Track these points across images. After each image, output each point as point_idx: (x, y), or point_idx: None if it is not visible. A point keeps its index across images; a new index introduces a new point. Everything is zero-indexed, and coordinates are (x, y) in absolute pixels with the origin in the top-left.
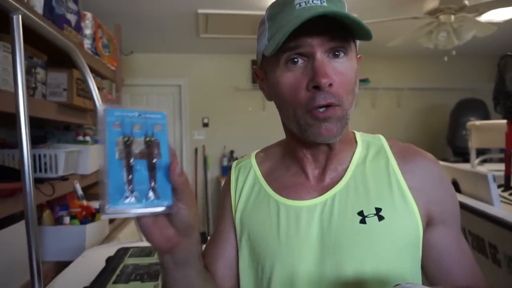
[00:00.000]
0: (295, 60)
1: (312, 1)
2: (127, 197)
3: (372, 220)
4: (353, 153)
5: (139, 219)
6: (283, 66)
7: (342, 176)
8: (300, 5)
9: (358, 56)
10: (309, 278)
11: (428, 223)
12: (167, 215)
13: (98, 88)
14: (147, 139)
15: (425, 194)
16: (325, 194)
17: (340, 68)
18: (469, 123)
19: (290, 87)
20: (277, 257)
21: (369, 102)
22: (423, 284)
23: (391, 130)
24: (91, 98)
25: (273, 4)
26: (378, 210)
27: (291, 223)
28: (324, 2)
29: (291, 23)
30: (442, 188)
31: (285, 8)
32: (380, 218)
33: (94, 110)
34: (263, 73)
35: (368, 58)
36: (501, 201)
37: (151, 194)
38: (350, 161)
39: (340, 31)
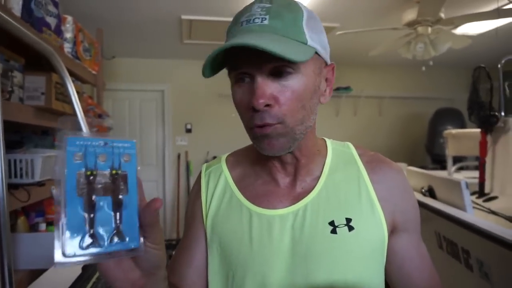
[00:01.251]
0: (244, 78)
1: (253, 20)
2: (86, 241)
3: (342, 230)
4: (324, 163)
5: (99, 263)
6: (235, 83)
7: (314, 186)
8: (242, 24)
9: (330, 64)
10: (280, 287)
11: (392, 231)
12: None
13: (78, 93)
14: (113, 171)
15: (392, 204)
16: (297, 204)
17: (284, 87)
18: (446, 132)
19: (239, 104)
20: (248, 266)
21: (351, 109)
22: None
23: (372, 138)
24: (70, 102)
25: (233, 18)
26: (348, 220)
27: (263, 232)
28: (265, 19)
29: (215, 51)
30: (406, 197)
31: (233, 25)
32: (350, 228)
33: (73, 114)
34: None
35: (350, 67)
36: (474, 208)
37: (115, 236)
38: (321, 171)
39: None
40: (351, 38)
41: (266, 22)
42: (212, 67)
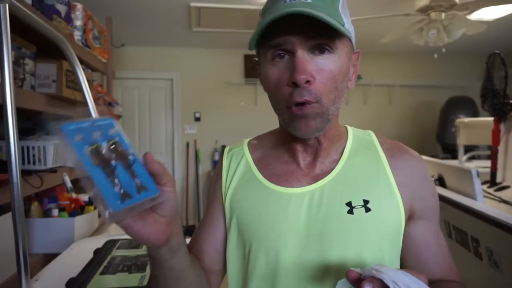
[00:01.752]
0: (282, 55)
1: None
2: (122, 197)
3: (359, 211)
4: (344, 147)
5: (127, 227)
6: (270, 61)
7: (333, 168)
8: (285, 1)
9: (356, 51)
10: (293, 263)
11: (410, 217)
12: (152, 207)
13: (88, 80)
14: (111, 142)
15: (410, 190)
16: (315, 184)
17: (322, 65)
18: (458, 120)
19: (274, 82)
20: (263, 241)
21: (361, 98)
22: None
23: (382, 127)
24: (80, 90)
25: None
26: (365, 202)
27: (279, 209)
28: None
29: (265, 20)
30: (426, 185)
31: (273, 3)
32: (367, 209)
33: (84, 102)
34: (259, 66)
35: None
36: (485, 197)
37: (139, 189)
38: (341, 154)
39: (323, 28)
40: (363, 24)
41: (309, 0)
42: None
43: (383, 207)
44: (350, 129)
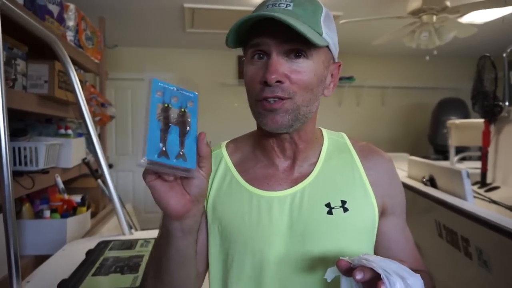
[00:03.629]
0: (261, 56)
1: (279, 4)
2: (160, 153)
3: (338, 212)
4: (320, 150)
5: (153, 187)
6: (250, 60)
7: (311, 171)
8: (267, 7)
9: (337, 62)
10: (278, 264)
11: (382, 214)
12: (183, 181)
13: (81, 81)
14: (182, 109)
15: (382, 189)
16: (295, 187)
17: (296, 67)
18: (449, 122)
19: (249, 79)
20: (248, 244)
21: (353, 99)
22: None
23: (375, 128)
24: (73, 91)
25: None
26: (343, 202)
27: (263, 212)
28: (290, 6)
29: (242, 19)
30: (395, 184)
31: (259, 8)
32: (345, 210)
33: (76, 103)
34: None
35: (353, 56)
36: (475, 197)
37: (179, 155)
38: (318, 157)
39: (300, 35)
40: (355, 27)
41: (290, 8)
42: (235, 38)
43: (360, 206)
44: (324, 132)
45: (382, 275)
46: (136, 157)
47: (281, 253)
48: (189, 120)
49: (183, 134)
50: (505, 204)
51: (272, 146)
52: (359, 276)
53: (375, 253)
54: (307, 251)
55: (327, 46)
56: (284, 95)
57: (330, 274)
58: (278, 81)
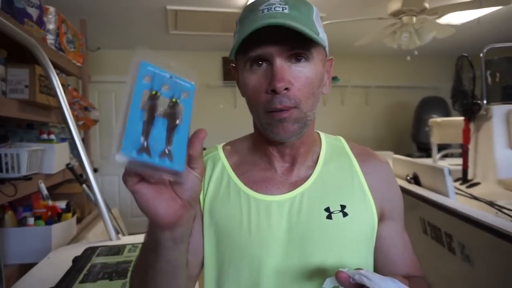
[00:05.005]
0: (260, 63)
1: (274, 8)
2: (140, 149)
3: (337, 216)
4: (319, 153)
5: (137, 192)
6: (249, 68)
7: (310, 174)
8: (262, 11)
9: (329, 58)
10: (276, 270)
11: (380, 219)
12: (173, 184)
13: (63, 85)
14: (173, 100)
15: (381, 193)
16: (294, 191)
17: (299, 73)
18: (431, 120)
19: (253, 89)
20: (246, 250)
21: (338, 99)
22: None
23: (360, 127)
24: (55, 95)
25: (244, 7)
26: (343, 206)
27: (262, 217)
28: (285, 9)
29: (246, 31)
30: (393, 188)
31: (251, 13)
32: (345, 214)
33: (58, 107)
34: (237, 71)
35: (337, 57)
36: (457, 193)
37: (164, 154)
38: (317, 160)
39: (300, 38)
40: (338, 28)
41: (286, 11)
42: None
43: (359, 211)
44: (322, 135)
45: None
46: (110, 152)
47: (279, 259)
48: (181, 113)
49: (171, 128)
50: (485, 199)
51: (271, 150)
52: None
53: (374, 257)
54: (306, 257)
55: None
56: (291, 105)
57: (329, 284)
58: (286, 88)
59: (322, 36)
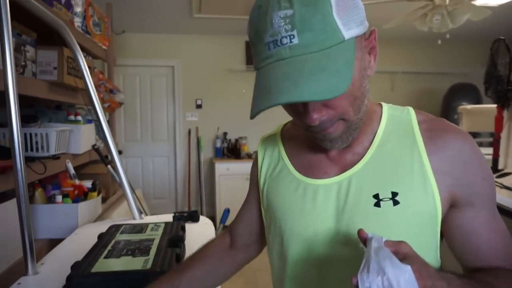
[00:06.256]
0: None
1: (281, 41)
2: None
3: (386, 204)
4: (376, 132)
5: None
6: None
7: (362, 157)
8: (269, 48)
9: (371, 30)
10: (324, 253)
11: (453, 205)
12: None
13: (89, 67)
14: None
15: (451, 177)
16: (342, 175)
17: (333, 101)
18: (461, 107)
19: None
20: (294, 231)
21: None
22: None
23: None
24: (82, 77)
25: (250, 23)
26: (394, 194)
27: (307, 200)
28: (293, 37)
29: (261, 101)
30: (471, 169)
31: (258, 42)
32: (395, 202)
33: (85, 89)
34: None
35: None
36: None
37: None
38: (372, 141)
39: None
40: (366, 10)
41: (295, 41)
42: None
43: (414, 199)
44: (385, 109)
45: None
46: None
47: (325, 244)
48: None
49: None
50: None
51: None
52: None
53: (452, 247)
54: (352, 244)
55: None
56: (332, 124)
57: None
58: (322, 118)
59: (351, 31)
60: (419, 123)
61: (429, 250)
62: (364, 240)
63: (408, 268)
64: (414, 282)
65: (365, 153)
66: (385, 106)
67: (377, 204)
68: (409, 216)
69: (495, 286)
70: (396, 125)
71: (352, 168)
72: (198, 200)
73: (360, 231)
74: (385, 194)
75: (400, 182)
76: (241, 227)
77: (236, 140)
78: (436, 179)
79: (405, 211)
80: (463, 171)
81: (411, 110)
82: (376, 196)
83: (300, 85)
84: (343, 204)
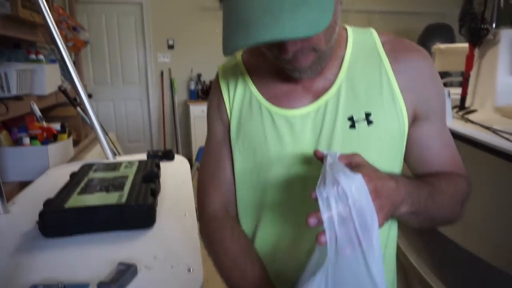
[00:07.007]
0: None
1: None
2: None
3: (361, 125)
4: (343, 56)
5: None
6: None
7: (333, 82)
8: None
9: None
10: (303, 182)
11: (414, 120)
12: None
13: (47, 1)
14: None
15: (414, 94)
16: (317, 101)
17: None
18: (434, 47)
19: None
20: (273, 164)
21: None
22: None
23: None
24: (39, 10)
25: None
26: (367, 114)
27: (285, 131)
28: None
29: (229, 39)
30: (430, 86)
31: None
32: (369, 122)
33: (44, 25)
34: None
35: None
36: (454, 118)
37: None
38: (340, 65)
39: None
40: None
41: None
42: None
43: (386, 117)
44: (350, 32)
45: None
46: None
47: (305, 171)
48: None
49: None
50: (480, 123)
51: None
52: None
53: (409, 161)
54: None
55: None
56: (306, 53)
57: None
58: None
59: None
60: (383, 44)
61: (398, 163)
62: (321, 158)
63: (359, 176)
64: (364, 186)
65: (335, 79)
66: (350, 30)
67: (353, 126)
68: (382, 134)
69: (437, 184)
70: (362, 47)
71: (326, 94)
72: (174, 142)
73: (316, 151)
74: (359, 115)
75: (371, 102)
76: (225, 187)
77: (211, 82)
78: (403, 96)
79: (378, 130)
80: (424, 87)
81: (373, 31)
82: (350, 118)
83: (280, 21)
84: (319, 130)
